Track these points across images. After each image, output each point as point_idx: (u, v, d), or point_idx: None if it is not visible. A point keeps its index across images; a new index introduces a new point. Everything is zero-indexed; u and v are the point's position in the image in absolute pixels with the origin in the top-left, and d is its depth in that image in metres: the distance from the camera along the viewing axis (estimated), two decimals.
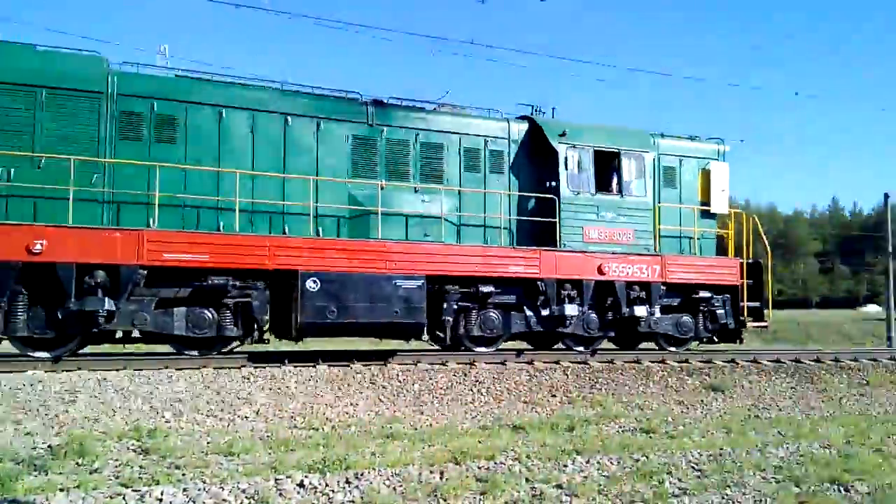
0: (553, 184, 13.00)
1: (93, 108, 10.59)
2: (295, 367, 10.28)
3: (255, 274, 10.81)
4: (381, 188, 11.98)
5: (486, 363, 11.47)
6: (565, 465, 6.70)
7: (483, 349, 12.39)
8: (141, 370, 9.65)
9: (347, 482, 5.88)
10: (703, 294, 13.70)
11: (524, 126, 13.50)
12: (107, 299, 9.86)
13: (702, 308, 13.78)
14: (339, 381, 9.88)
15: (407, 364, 11.06)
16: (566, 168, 13.03)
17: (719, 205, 14.34)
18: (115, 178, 10.59)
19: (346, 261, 11.17)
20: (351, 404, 9.25)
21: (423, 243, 12.07)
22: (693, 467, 6.83)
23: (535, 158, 13.31)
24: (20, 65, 10.21)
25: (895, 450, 7.86)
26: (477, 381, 10.59)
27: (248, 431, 8.02)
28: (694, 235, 14.14)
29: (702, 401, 10.84)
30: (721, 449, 7.47)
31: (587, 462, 6.83)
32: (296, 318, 10.74)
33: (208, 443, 7.36)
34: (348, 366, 10.55)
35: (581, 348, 13.10)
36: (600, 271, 12.85)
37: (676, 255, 13.74)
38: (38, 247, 9.55)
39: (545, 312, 12.52)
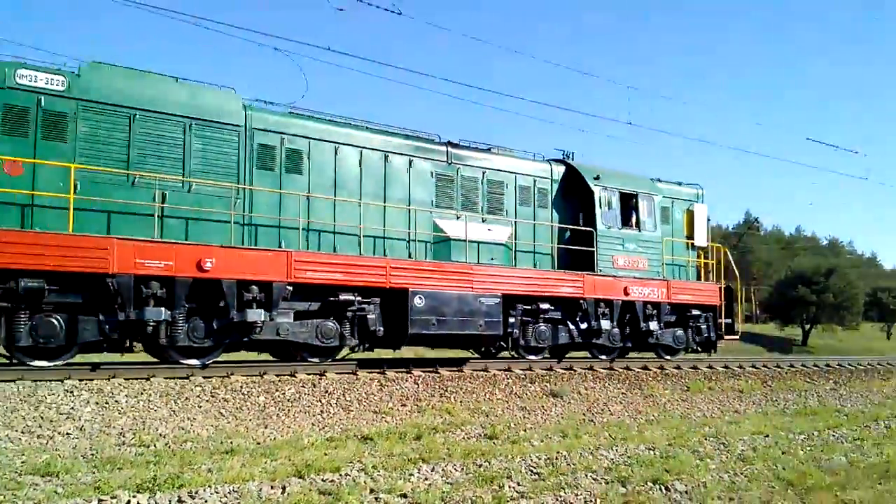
0: (589, 218, 15.39)
1: (233, 140, 11.83)
2: (126, 380, 9.58)
3: (373, 291, 12.30)
4: (458, 218, 14.01)
5: (337, 373, 11.35)
6: (411, 474, 6.73)
7: (533, 357, 14.33)
8: None
9: (180, 501, 5.55)
10: (695, 312, 16.60)
11: (562, 168, 15.86)
12: (262, 311, 11.03)
13: (691, 324, 16.60)
14: (175, 394, 9.31)
15: (254, 375, 10.67)
16: (600, 206, 15.46)
17: (700, 239, 17.43)
18: (252, 203, 11.85)
19: (444, 281, 12.94)
20: (188, 419, 8.73)
21: (499, 267, 14.07)
22: (531, 471, 7.10)
23: (571, 196, 15.66)
24: (174, 97, 11.34)
25: (710, 451, 8.58)
26: (326, 391, 10.40)
27: (70, 449, 7.35)
28: (686, 264, 17.37)
29: (542, 406, 11.31)
30: (557, 452, 7.82)
31: (432, 470, 6.90)
32: (407, 329, 12.40)
33: (23, 462, 6.66)
34: (187, 378, 9.99)
35: (604, 357, 15.44)
36: (625, 292, 15.34)
37: (677, 280, 16.69)
38: (209, 264, 10.64)
39: (584, 326, 14.77)
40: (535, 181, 15.32)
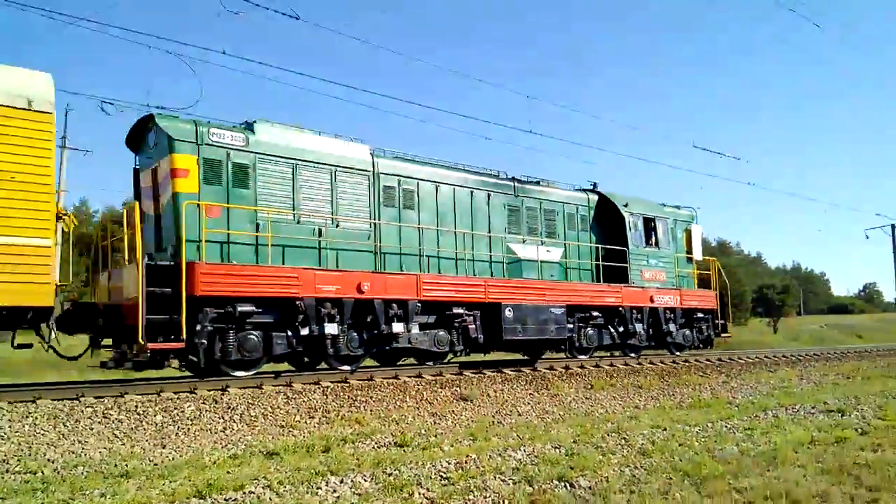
0: (621, 239, 18.40)
1: (366, 184, 13.99)
2: (10, 403, 8.92)
3: (474, 305, 14.76)
4: (524, 242, 16.61)
5: (240, 388, 11.00)
6: (318, 488, 6.57)
7: (583, 357, 17.11)
8: None
9: None
10: (699, 315, 20.05)
11: (595, 197, 18.79)
12: (402, 324, 13.33)
13: (695, 325, 19.96)
14: (64, 417, 8.74)
15: (150, 394, 10.17)
16: (630, 229, 18.48)
17: (697, 253, 20.58)
18: (381, 235, 13.98)
19: (526, 295, 15.51)
20: (79, 442, 8.22)
21: (562, 282, 16.91)
22: (441, 476, 7.08)
23: (604, 220, 18.63)
24: (324, 148, 13.49)
25: (613, 446, 8.81)
26: (229, 407, 10.05)
27: None
28: (688, 275, 20.45)
29: (453, 411, 11.37)
30: (467, 456, 7.84)
31: (341, 482, 6.77)
32: (501, 336, 14.85)
33: None
34: (77, 399, 9.41)
35: (633, 354, 18.50)
36: (651, 300, 18.41)
37: (686, 289, 19.81)
38: (366, 287, 12.91)
39: (621, 329, 17.71)
40: (577, 208, 18.18)
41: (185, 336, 10.54)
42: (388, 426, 10.15)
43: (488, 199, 16.16)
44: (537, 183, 17.63)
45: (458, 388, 12.48)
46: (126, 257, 11.99)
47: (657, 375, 15.89)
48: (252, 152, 12.50)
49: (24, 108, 9.65)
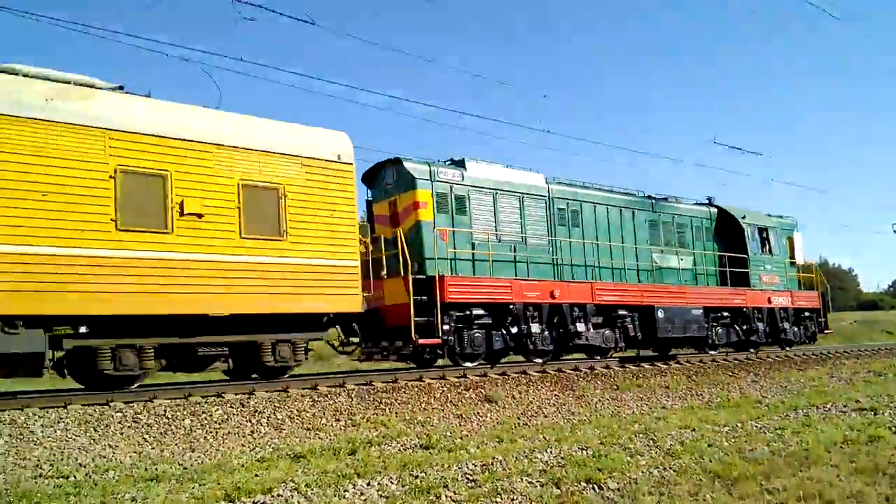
0: (741, 247, 20.76)
1: (543, 206, 16.60)
2: (41, 409, 9.07)
3: (633, 307, 17.24)
4: (662, 251, 19.01)
5: (266, 391, 11.07)
6: (345, 491, 6.59)
7: (713, 352, 19.47)
8: None
9: None
10: (806, 313, 22.78)
11: (714, 210, 21.18)
12: (583, 324, 15.88)
13: (802, 322, 22.55)
14: (94, 422, 8.85)
15: (179, 398, 10.28)
16: (748, 238, 20.87)
17: (798, 258, 22.92)
18: (558, 249, 16.55)
19: (673, 298, 18.06)
20: (109, 446, 8.32)
21: (700, 287, 19.41)
22: (468, 478, 7.08)
23: (723, 231, 21.04)
24: (514, 179, 16.18)
25: (640, 447, 8.73)
26: (256, 410, 10.12)
27: None
28: (794, 278, 22.77)
29: (478, 413, 11.32)
30: (493, 458, 7.82)
31: (367, 485, 6.79)
32: (655, 334, 17.40)
33: None
34: (107, 404, 9.53)
35: (752, 350, 20.64)
36: (769, 301, 20.95)
37: (796, 291, 22.39)
38: (556, 293, 15.55)
39: (745, 327, 20.23)
40: (702, 221, 20.51)
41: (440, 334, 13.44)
42: (413, 428, 10.15)
43: (633, 215, 18.64)
44: (666, 199, 19.93)
45: (482, 390, 12.43)
46: (385, 272, 14.14)
47: (684, 375, 15.71)
48: (467, 185, 15.21)
49: (335, 161, 12.38)
